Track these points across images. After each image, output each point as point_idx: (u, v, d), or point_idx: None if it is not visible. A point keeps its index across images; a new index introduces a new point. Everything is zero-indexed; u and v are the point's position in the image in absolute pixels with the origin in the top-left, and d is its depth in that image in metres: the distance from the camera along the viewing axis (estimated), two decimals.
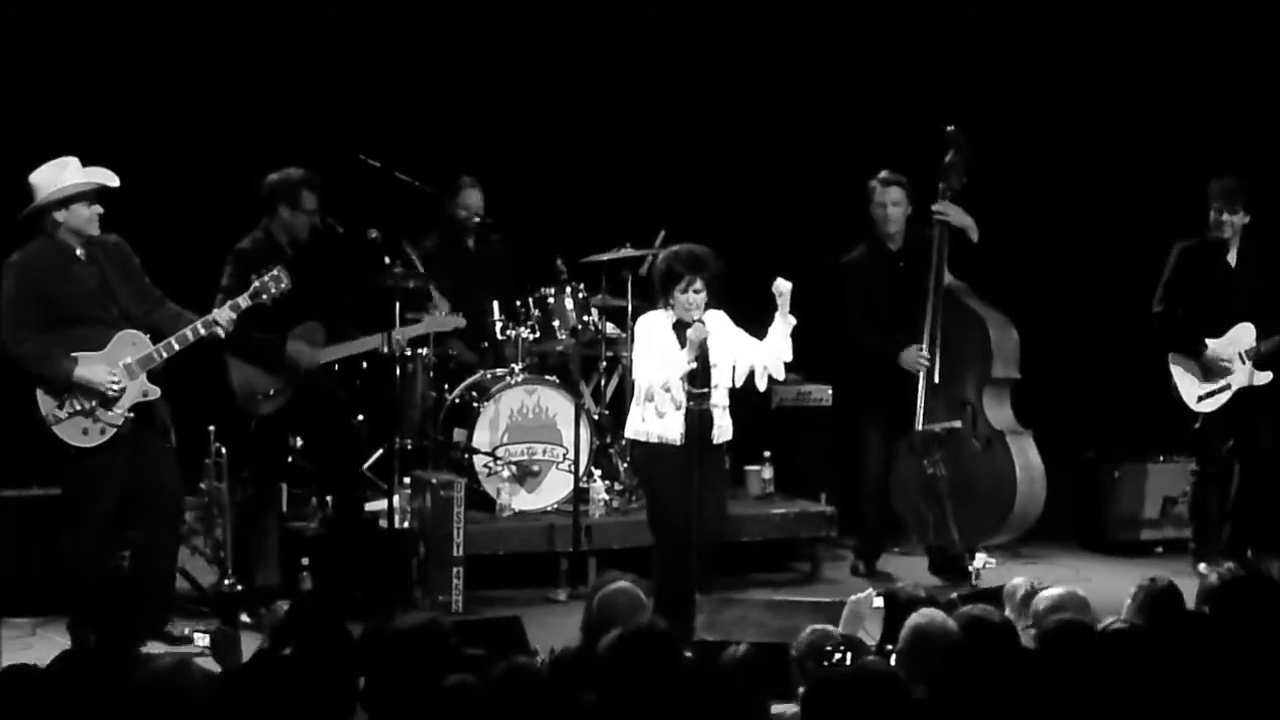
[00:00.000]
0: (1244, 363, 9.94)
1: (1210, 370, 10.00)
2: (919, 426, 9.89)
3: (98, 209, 8.29)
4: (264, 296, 8.58)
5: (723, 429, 8.51)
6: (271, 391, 9.14)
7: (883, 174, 10.05)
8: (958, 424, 9.93)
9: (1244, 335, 9.96)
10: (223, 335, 8.46)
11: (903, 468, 10.04)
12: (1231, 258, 10.02)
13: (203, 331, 8.39)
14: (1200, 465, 10.25)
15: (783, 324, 8.43)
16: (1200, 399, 10.04)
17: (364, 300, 9.51)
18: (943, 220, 9.89)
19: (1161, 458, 10.86)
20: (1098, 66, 11.82)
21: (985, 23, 11.68)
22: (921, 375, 9.87)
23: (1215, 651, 5.53)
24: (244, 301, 8.51)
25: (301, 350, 9.14)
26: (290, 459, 9.49)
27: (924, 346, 9.86)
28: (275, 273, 8.60)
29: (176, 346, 8.37)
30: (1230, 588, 6.00)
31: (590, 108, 11.28)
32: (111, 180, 8.34)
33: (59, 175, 8.29)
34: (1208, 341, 9.98)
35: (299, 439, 9.40)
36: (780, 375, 8.65)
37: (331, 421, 9.37)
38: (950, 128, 9.93)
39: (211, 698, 5.28)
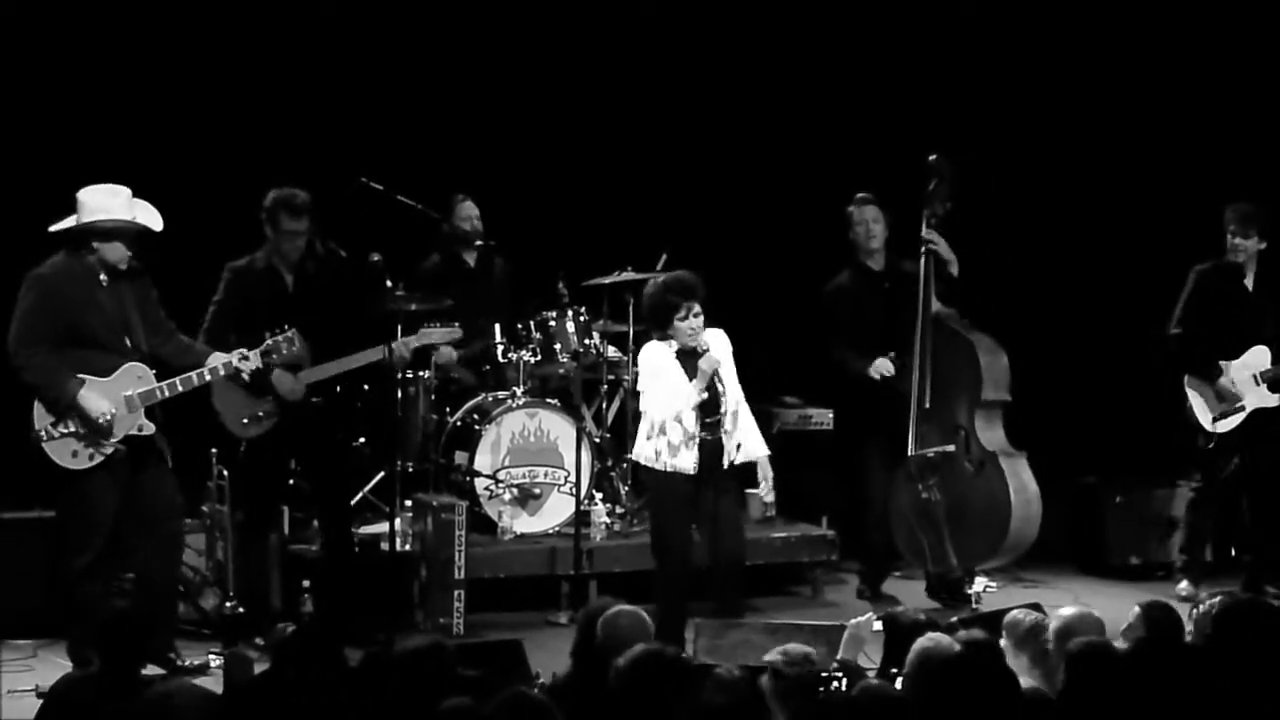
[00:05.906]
0: (1258, 384, 9.99)
1: (1225, 393, 10.03)
2: (911, 452, 9.90)
3: (130, 253, 8.29)
4: (274, 357, 8.63)
5: (730, 451, 8.53)
6: (260, 414, 9.00)
7: (858, 196, 10.10)
8: (950, 448, 9.90)
9: (1259, 358, 10.00)
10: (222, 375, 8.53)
11: (899, 495, 10.02)
12: (1249, 281, 10.08)
13: (208, 377, 8.45)
14: (1204, 484, 10.28)
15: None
16: (1215, 420, 10.07)
17: (367, 324, 9.46)
18: (932, 249, 9.90)
19: (1162, 482, 10.88)
20: (1091, 84, 11.75)
21: (977, 38, 11.62)
22: (912, 402, 9.86)
23: (1217, 678, 5.54)
24: (254, 360, 8.54)
25: (282, 376, 8.94)
26: (291, 481, 9.42)
27: (898, 358, 9.83)
28: (289, 334, 8.63)
29: (181, 389, 8.39)
30: (1231, 614, 5.99)
31: (591, 132, 11.30)
32: (156, 224, 8.33)
33: (109, 202, 8.23)
34: (1222, 364, 10.03)
35: (294, 462, 9.29)
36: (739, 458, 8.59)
37: (320, 446, 9.24)
38: (932, 157, 9.94)
39: (211, 718, 5.30)
